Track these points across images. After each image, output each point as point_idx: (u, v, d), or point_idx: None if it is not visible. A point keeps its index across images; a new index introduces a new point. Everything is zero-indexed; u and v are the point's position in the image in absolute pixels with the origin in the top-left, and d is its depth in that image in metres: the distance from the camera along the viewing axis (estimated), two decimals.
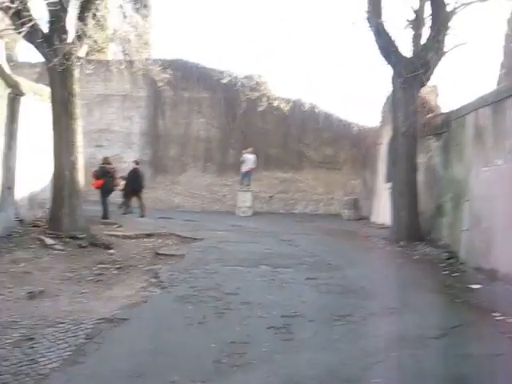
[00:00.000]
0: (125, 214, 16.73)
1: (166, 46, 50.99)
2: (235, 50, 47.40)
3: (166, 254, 10.06)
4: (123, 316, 5.87)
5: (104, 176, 15.09)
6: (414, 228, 12.82)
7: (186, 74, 21.82)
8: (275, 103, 20.66)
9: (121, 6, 14.19)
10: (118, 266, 9.27)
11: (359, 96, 33.08)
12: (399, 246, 12.28)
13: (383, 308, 6.57)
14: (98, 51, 21.24)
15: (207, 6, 48.07)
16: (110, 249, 10.67)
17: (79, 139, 11.28)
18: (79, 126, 11.38)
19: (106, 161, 15.81)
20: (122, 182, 16.75)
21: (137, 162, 17.92)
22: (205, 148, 22.37)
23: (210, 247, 10.93)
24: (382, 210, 17.48)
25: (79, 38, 10.93)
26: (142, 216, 16.40)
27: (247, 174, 20.29)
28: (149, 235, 12.39)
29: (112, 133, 22.39)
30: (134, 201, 17.18)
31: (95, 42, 14.57)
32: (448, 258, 10.63)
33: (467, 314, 6.64)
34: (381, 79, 30.03)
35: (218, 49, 44.97)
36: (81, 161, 11.36)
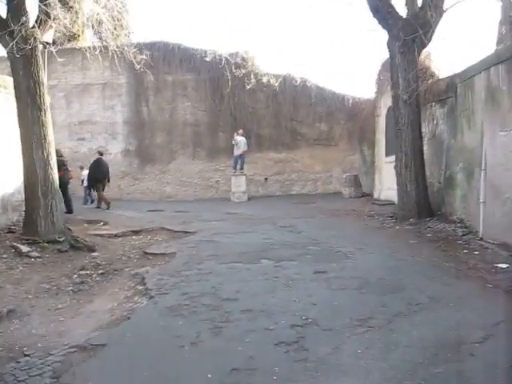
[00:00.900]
0: (98, 207, 16.59)
1: (145, 30, 49.41)
2: (218, 28, 45.77)
3: (154, 254, 9.02)
4: (100, 341, 4.85)
5: (60, 168, 14.40)
6: (423, 203, 11.94)
7: (168, 56, 20.73)
8: (264, 80, 19.54)
9: None
10: (101, 271, 8.26)
11: (352, 67, 31.96)
12: (409, 223, 11.40)
13: (409, 304, 5.56)
14: (70, 38, 20.12)
15: None
16: (94, 251, 9.65)
17: (51, 132, 10.19)
18: (49, 118, 10.29)
19: (58, 153, 15.16)
20: (84, 172, 16.94)
21: (100, 153, 17.43)
22: (193, 133, 21.31)
23: (204, 241, 9.89)
24: (385, 186, 16.60)
25: (41, 20, 9.80)
26: (99, 207, 16.39)
27: (240, 157, 19.30)
28: (137, 232, 11.37)
29: (94, 124, 21.32)
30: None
31: (65, 26, 13.54)
32: (464, 234, 9.78)
33: (506, 304, 5.68)
34: (373, 47, 28.90)
35: (200, 28, 43.48)
36: (54, 156, 10.29)
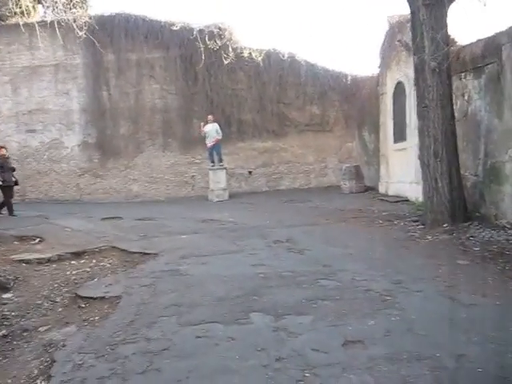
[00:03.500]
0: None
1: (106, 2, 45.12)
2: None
3: (90, 298, 6.02)
4: None
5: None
6: (459, 203, 9.16)
7: (131, 31, 17.72)
8: (245, 54, 16.55)
9: None
10: (4, 331, 5.30)
11: (348, 39, 28.95)
12: (443, 231, 8.74)
13: None
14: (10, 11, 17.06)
15: None
16: (8, 290, 6.70)
17: None
18: None
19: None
20: None
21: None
22: (163, 121, 18.32)
23: (166, 273, 6.80)
24: (394, 178, 13.86)
25: None
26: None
27: (214, 147, 16.37)
28: (78, 254, 8.38)
29: (46, 113, 18.25)
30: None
31: None
32: None
33: None
34: (374, 16, 25.98)
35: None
36: None
